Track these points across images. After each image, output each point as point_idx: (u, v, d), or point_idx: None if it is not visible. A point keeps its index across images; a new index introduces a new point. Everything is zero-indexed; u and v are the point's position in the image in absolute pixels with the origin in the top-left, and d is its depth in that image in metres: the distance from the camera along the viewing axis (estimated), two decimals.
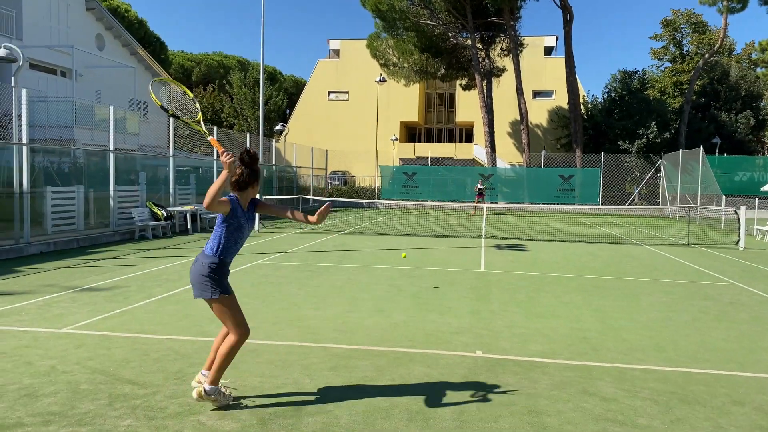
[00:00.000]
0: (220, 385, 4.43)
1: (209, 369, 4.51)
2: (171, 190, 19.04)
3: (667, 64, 46.97)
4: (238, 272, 10.66)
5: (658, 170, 34.94)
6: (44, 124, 22.00)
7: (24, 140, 12.77)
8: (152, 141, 28.61)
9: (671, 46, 46.44)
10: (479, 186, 29.73)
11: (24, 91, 12.73)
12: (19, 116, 12.74)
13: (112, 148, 16.05)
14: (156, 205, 17.47)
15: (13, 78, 13.00)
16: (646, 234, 20.86)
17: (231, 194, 4.37)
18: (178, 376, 5.10)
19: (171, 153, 19.09)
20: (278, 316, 7.42)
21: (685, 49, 46.05)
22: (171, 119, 19.66)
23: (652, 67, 49.24)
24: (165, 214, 17.26)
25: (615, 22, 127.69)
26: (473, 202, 31.14)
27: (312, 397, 4.67)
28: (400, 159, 49.95)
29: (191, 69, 60.71)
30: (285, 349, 5.99)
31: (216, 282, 4.28)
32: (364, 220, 24.40)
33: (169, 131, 19.15)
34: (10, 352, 5.70)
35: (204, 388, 4.34)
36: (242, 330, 4.35)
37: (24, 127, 12.72)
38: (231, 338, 4.33)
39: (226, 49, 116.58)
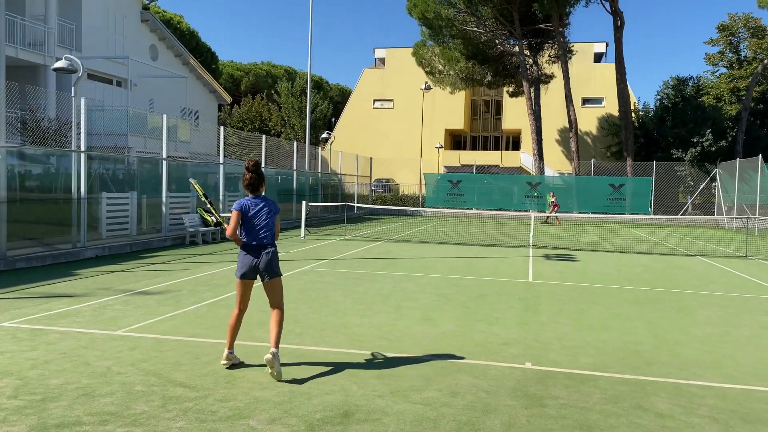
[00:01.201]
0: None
1: (231, 348, 5.56)
2: (221, 197, 19.44)
3: (723, 70, 45.49)
4: (285, 278, 10.75)
5: (713, 179, 33.80)
6: (100, 132, 22.82)
7: (82, 148, 13.25)
8: (203, 149, 29.33)
9: (728, 51, 44.94)
10: (552, 199, 29.91)
11: (83, 100, 13.22)
12: (78, 125, 13.23)
13: (164, 155, 16.50)
14: (206, 211, 17.83)
15: (73, 88, 13.50)
16: (701, 245, 20.19)
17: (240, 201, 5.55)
18: (229, 379, 5.18)
19: (221, 160, 19.49)
20: (325, 322, 7.46)
21: (743, 54, 44.49)
22: (222, 129, 20.09)
23: (707, 73, 47.72)
24: (215, 221, 17.60)
25: (667, 28, 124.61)
26: (541, 211, 30.93)
27: (360, 405, 4.67)
28: (444, 167, 49.76)
29: (240, 78, 61.98)
30: (332, 355, 6.01)
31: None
32: (409, 228, 24.38)
33: (219, 139, 19.58)
34: (69, 352, 5.90)
35: (273, 351, 5.14)
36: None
37: (82, 135, 13.20)
38: (280, 312, 5.43)
39: (275, 59, 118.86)
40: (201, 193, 6.59)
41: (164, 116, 16.82)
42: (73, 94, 13.33)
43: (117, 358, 5.72)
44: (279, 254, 5.66)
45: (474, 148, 55.48)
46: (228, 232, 5.54)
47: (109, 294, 8.97)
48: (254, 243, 5.45)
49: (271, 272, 5.44)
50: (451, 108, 51.25)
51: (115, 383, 5.02)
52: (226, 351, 5.55)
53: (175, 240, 16.54)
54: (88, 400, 4.63)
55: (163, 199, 16.48)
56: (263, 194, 5.65)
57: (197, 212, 17.58)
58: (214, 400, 4.70)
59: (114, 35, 28.91)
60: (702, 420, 4.59)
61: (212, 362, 5.66)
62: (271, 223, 5.51)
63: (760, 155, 26.51)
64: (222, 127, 20.21)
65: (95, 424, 4.18)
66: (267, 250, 5.44)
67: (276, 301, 5.47)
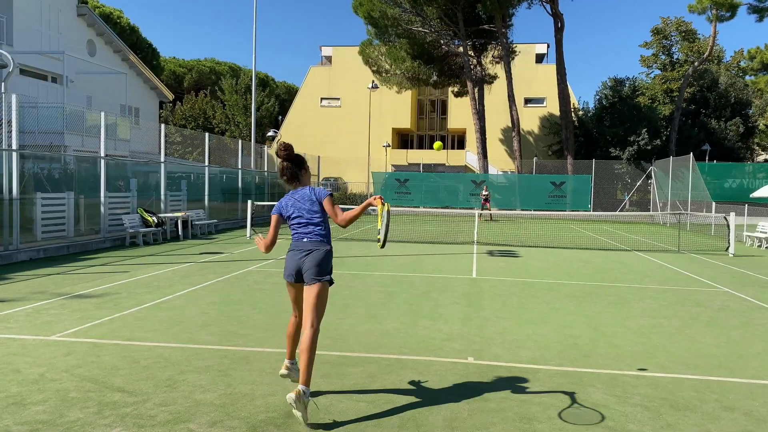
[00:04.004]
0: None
1: (291, 357, 4.87)
2: (162, 197, 18.98)
3: (657, 72, 47.34)
4: (229, 279, 10.63)
5: (648, 177, 35.15)
6: (34, 130, 21.87)
7: (14, 146, 12.70)
8: (143, 147, 28.54)
9: (661, 53, 46.81)
10: (484, 192, 31.04)
11: (14, 96, 12.66)
12: (9, 122, 12.66)
13: (102, 154, 15.99)
14: (147, 211, 17.40)
15: (3, 84, 12.92)
16: (637, 240, 20.96)
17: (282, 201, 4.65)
18: (168, 383, 5.07)
19: (162, 159, 19.03)
20: (269, 323, 7.39)
21: (675, 56, 46.44)
22: (163, 127, 19.63)
23: (642, 75, 49.60)
24: (156, 221, 17.20)
25: (606, 30, 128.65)
26: (463, 208, 32.06)
27: None
28: (392, 165, 50.01)
29: (183, 75, 60.58)
30: (276, 356, 5.96)
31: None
32: (356, 227, 24.39)
33: (160, 137, 19.10)
34: None
35: (301, 389, 4.24)
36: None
37: (14, 133, 12.65)
38: (311, 331, 4.45)
39: (219, 56, 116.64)
40: None
41: (102, 113, 16.29)
42: (3, 90, 12.74)
43: (50, 365, 5.52)
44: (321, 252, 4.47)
45: (421, 147, 55.98)
46: (261, 247, 4.64)
47: (44, 298, 8.64)
48: (296, 243, 4.56)
49: (309, 274, 4.42)
50: (398, 107, 51.55)
51: (48, 390, 4.84)
52: (285, 361, 4.91)
53: (114, 241, 16.06)
54: (18, 408, 4.45)
55: (102, 199, 15.97)
56: (310, 184, 4.60)
57: (138, 212, 17.18)
58: (153, 404, 4.60)
59: (49, 30, 27.80)
60: (635, 408, 4.78)
61: (151, 366, 5.52)
62: (314, 217, 4.49)
63: (692, 154, 27.75)
64: (163, 125, 19.73)
65: None
66: (308, 251, 4.47)
67: (307, 312, 4.47)
